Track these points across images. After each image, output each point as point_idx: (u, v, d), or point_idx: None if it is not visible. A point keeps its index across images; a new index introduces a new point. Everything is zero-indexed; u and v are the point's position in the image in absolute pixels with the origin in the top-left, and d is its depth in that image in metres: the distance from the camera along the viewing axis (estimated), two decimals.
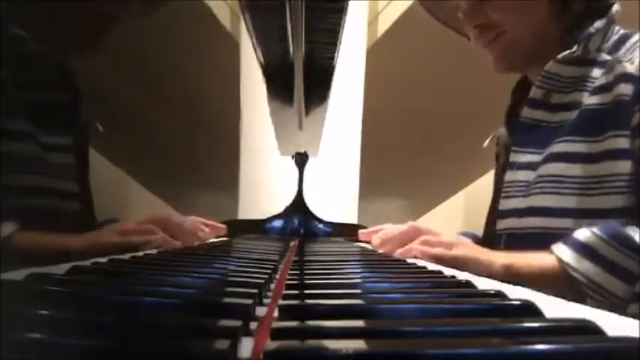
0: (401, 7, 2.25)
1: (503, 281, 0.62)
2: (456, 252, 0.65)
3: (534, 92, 0.76)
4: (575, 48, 0.72)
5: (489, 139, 0.91)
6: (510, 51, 0.78)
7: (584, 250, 0.61)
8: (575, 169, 0.70)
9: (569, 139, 0.71)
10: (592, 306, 0.56)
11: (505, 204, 0.78)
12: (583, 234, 0.62)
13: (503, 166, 0.84)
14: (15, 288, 0.28)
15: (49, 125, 0.72)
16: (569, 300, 0.62)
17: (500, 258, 0.66)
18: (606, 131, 0.68)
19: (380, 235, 0.76)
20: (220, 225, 0.98)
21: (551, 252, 0.63)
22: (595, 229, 0.62)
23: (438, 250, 0.65)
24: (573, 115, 0.72)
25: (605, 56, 0.72)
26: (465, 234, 0.88)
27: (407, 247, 0.69)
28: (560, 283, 0.62)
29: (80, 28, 0.74)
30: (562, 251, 0.62)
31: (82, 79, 0.80)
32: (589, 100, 0.71)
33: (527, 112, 0.77)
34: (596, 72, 0.72)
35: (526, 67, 0.82)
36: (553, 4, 0.75)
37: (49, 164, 0.70)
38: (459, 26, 0.85)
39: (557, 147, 0.72)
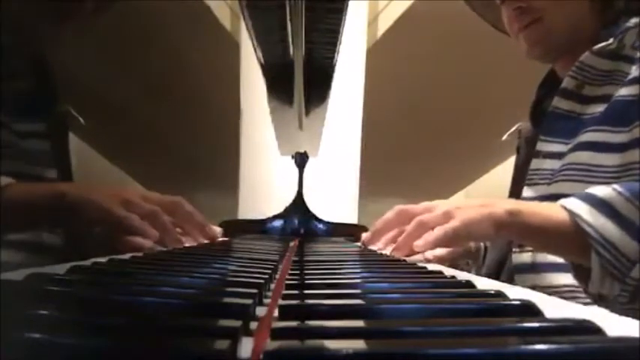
0: (401, 7, 2.25)
1: (508, 232, 0.58)
2: (452, 224, 0.59)
3: (567, 82, 0.76)
4: (611, 40, 0.72)
5: (511, 130, 0.90)
6: (545, 38, 0.78)
7: (601, 205, 0.56)
8: (603, 159, 0.68)
9: (598, 128, 0.70)
10: (596, 270, 0.53)
11: (528, 192, 0.77)
12: (602, 190, 0.58)
13: (523, 159, 0.84)
14: (15, 288, 0.28)
15: (21, 115, 0.70)
16: (571, 259, 0.59)
17: (505, 204, 0.61)
18: (635, 121, 0.67)
19: (370, 230, 0.73)
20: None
21: (561, 206, 0.58)
22: (616, 186, 0.58)
23: (437, 233, 0.59)
24: (603, 107, 0.71)
25: (638, 53, 0.71)
26: None
27: (404, 236, 0.63)
28: (568, 238, 0.57)
29: (50, 14, 0.72)
30: (575, 205, 0.57)
31: (59, 69, 0.79)
32: (620, 91, 0.70)
33: (557, 102, 0.77)
34: (629, 67, 0.71)
35: (557, 58, 0.81)
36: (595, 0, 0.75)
37: (23, 151, 0.68)
38: (492, 17, 0.85)
39: (586, 136, 0.71)
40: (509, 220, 0.58)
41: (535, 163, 0.78)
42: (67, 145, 0.82)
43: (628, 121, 0.68)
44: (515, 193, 0.82)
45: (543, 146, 0.77)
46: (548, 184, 0.73)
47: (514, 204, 0.60)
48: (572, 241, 0.57)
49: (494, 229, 0.58)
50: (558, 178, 0.72)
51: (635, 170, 0.66)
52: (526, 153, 0.84)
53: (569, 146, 0.72)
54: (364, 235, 0.75)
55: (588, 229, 0.55)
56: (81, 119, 0.84)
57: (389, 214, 0.70)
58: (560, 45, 0.78)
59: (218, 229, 0.96)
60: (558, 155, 0.74)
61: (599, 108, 0.72)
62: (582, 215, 0.56)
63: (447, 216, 0.60)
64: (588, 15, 0.76)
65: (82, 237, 0.63)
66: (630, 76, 0.70)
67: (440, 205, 0.63)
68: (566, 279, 0.68)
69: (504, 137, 0.91)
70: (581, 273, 0.59)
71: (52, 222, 0.60)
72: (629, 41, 0.72)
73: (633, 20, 0.72)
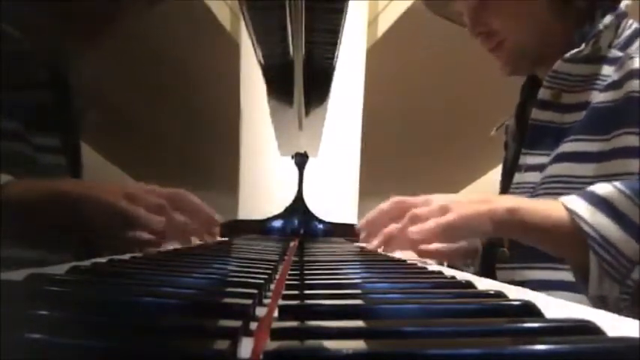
0: (401, 7, 2.24)
1: (507, 230, 0.56)
2: (449, 217, 0.57)
3: (543, 93, 0.74)
4: (583, 46, 0.70)
5: (497, 127, 0.89)
6: (514, 56, 0.77)
7: (601, 203, 0.54)
8: (583, 169, 0.67)
9: (577, 138, 0.69)
10: (594, 269, 0.52)
11: None
12: (602, 187, 0.56)
13: (512, 154, 0.83)
14: (15, 288, 0.28)
15: (38, 123, 0.70)
16: (570, 258, 0.57)
17: (504, 201, 0.59)
18: (616, 129, 0.65)
19: (365, 219, 0.71)
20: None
21: (561, 203, 0.56)
22: (616, 183, 0.56)
23: (433, 224, 0.57)
24: (583, 114, 0.70)
25: (617, 53, 0.70)
26: None
27: (399, 227, 0.61)
28: (567, 237, 0.55)
29: (76, 26, 0.73)
30: (574, 202, 0.55)
31: (75, 77, 0.79)
32: (598, 97, 0.68)
33: (536, 114, 0.75)
34: (608, 69, 0.70)
35: (533, 68, 0.80)
36: (552, 3, 0.73)
37: (39, 163, 0.69)
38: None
39: (565, 147, 0.69)
40: (508, 217, 0.57)
41: (518, 177, 0.76)
42: (80, 153, 0.82)
43: (607, 128, 0.66)
44: (505, 187, 0.81)
45: (525, 159, 0.76)
46: (530, 197, 0.72)
47: (513, 201, 0.59)
48: (571, 239, 0.55)
49: (492, 226, 0.57)
50: (539, 191, 0.71)
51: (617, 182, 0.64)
52: (514, 148, 0.83)
53: (550, 158, 0.71)
54: (358, 224, 0.73)
55: (587, 227, 0.53)
56: (94, 115, 0.84)
57: (384, 204, 0.68)
58: (532, 56, 0.77)
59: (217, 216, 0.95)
60: (540, 167, 0.73)
61: (580, 115, 0.70)
62: (581, 213, 0.54)
63: (444, 210, 0.58)
64: (552, 20, 0.74)
65: (90, 236, 0.63)
66: (608, 80, 0.68)
67: (437, 199, 0.62)
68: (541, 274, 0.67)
69: (492, 133, 0.90)
70: (581, 274, 0.58)
71: (55, 220, 0.60)
72: (605, 42, 0.70)
73: (605, 21, 0.70)
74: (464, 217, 0.57)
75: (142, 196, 0.62)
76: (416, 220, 0.60)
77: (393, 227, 0.66)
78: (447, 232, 0.57)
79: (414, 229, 0.59)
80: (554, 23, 0.75)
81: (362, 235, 0.74)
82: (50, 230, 0.59)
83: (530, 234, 0.59)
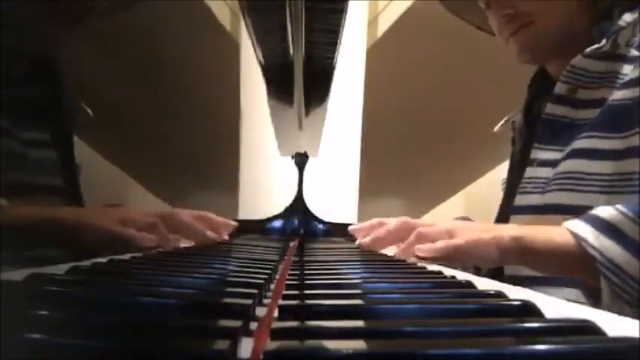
0: (401, 7, 2.24)
1: (513, 258, 0.56)
2: (457, 241, 0.58)
3: (559, 88, 0.74)
4: (603, 42, 0.70)
5: (502, 122, 0.89)
6: (536, 42, 0.76)
7: (605, 227, 0.54)
8: (597, 166, 0.66)
9: (592, 134, 0.68)
10: (606, 299, 0.52)
11: (521, 200, 0.75)
12: (605, 211, 0.56)
13: (519, 149, 0.82)
14: (15, 288, 0.28)
15: (31, 118, 0.71)
16: (582, 280, 0.57)
17: (508, 230, 0.59)
18: (632, 127, 0.65)
19: (371, 236, 0.71)
20: (230, 222, 0.96)
21: (566, 229, 0.56)
22: (619, 206, 0.56)
23: (441, 245, 0.58)
24: (598, 112, 0.69)
25: (635, 52, 0.69)
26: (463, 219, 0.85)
27: (404, 246, 0.63)
28: (573, 261, 0.55)
29: (58, 17, 0.73)
30: (580, 228, 0.55)
31: (74, 76, 0.80)
32: (615, 95, 0.68)
33: (551, 109, 0.75)
34: (625, 68, 0.69)
35: (549, 59, 0.80)
36: None
37: (31, 157, 0.69)
38: (477, 20, 0.83)
39: (579, 143, 0.69)
40: (513, 245, 0.57)
41: (529, 172, 0.76)
42: (72, 142, 0.82)
43: (623, 126, 0.66)
44: (512, 182, 0.81)
45: (537, 154, 0.75)
46: (542, 193, 0.72)
47: (517, 230, 0.59)
48: (577, 263, 0.55)
49: (498, 253, 0.57)
50: (552, 187, 0.70)
51: (632, 181, 0.64)
52: (521, 143, 0.82)
53: (563, 154, 0.71)
54: (364, 240, 0.72)
55: (594, 253, 0.53)
56: (90, 112, 0.85)
57: (392, 224, 0.68)
58: (551, 48, 0.77)
59: (232, 223, 0.96)
60: (552, 163, 0.72)
61: (595, 112, 0.70)
62: (588, 239, 0.54)
63: (450, 234, 0.60)
64: (578, 12, 0.74)
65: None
66: (626, 79, 0.68)
67: (443, 223, 0.63)
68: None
69: (496, 129, 0.90)
70: (591, 290, 0.58)
71: (52, 246, 0.61)
72: (623, 40, 0.70)
73: (626, 18, 0.70)
74: (471, 242, 0.57)
75: (136, 218, 0.64)
76: (422, 239, 0.60)
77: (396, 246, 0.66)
78: (455, 254, 0.57)
79: (423, 247, 0.59)
80: (580, 15, 0.74)
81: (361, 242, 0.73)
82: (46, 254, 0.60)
83: (536, 260, 0.59)
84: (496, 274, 0.73)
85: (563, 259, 0.56)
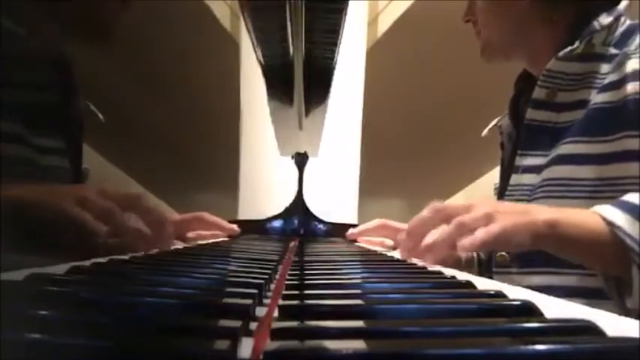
0: (401, 7, 2.25)
1: (545, 244, 0.53)
2: (495, 230, 0.53)
3: (537, 92, 0.74)
4: (576, 44, 0.70)
5: (489, 127, 0.90)
6: (486, 47, 0.82)
7: (637, 211, 0.52)
8: (583, 172, 0.66)
9: (576, 139, 0.68)
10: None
11: None
12: (635, 196, 0.53)
13: (509, 154, 0.83)
14: (15, 288, 0.28)
15: (40, 125, 0.69)
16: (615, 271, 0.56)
17: (543, 213, 0.55)
18: (616, 131, 0.64)
19: (422, 247, 0.62)
20: (231, 226, 0.96)
21: (598, 215, 0.54)
22: None
23: (482, 237, 0.53)
24: (581, 114, 0.69)
25: (613, 50, 0.69)
26: None
27: (445, 236, 0.57)
28: (606, 250, 0.53)
29: (79, 22, 0.73)
30: (614, 214, 0.53)
31: (76, 78, 0.80)
32: (597, 98, 0.67)
33: (531, 114, 0.74)
34: (604, 67, 0.69)
35: (509, 59, 0.83)
36: (536, 10, 0.75)
37: (39, 162, 0.68)
38: None
39: (564, 148, 0.68)
40: (547, 231, 0.54)
41: (514, 179, 0.75)
42: (81, 146, 0.81)
43: (607, 130, 0.65)
44: (502, 189, 0.81)
45: (522, 160, 0.75)
46: (528, 200, 0.71)
47: (551, 213, 0.55)
48: (610, 253, 0.53)
49: (530, 239, 0.54)
50: (538, 194, 0.70)
51: (617, 186, 0.63)
52: (510, 148, 0.83)
53: (547, 159, 0.70)
54: (399, 237, 0.68)
55: (629, 241, 0.51)
56: (100, 115, 0.84)
57: (425, 213, 0.62)
58: (505, 53, 0.81)
59: (232, 227, 0.94)
60: (537, 169, 0.72)
61: (576, 114, 0.69)
62: (622, 226, 0.52)
63: (489, 218, 0.55)
64: (536, 25, 0.76)
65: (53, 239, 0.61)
66: (606, 80, 0.67)
67: (480, 206, 0.58)
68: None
69: (484, 133, 0.91)
70: (616, 287, 0.55)
71: (9, 225, 0.58)
72: (599, 40, 0.70)
73: (601, 21, 0.69)
74: (507, 230, 0.53)
75: (94, 200, 0.58)
76: (462, 227, 0.56)
77: (434, 235, 0.61)
78: (494, 244, 0.54)
79: (466, 243, 0.54)
80: (540, 27, 0.76)
81: (402, 246, 0.66)
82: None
83: (567, 247, 0.56)
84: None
85: (596, 246, 0.53)
